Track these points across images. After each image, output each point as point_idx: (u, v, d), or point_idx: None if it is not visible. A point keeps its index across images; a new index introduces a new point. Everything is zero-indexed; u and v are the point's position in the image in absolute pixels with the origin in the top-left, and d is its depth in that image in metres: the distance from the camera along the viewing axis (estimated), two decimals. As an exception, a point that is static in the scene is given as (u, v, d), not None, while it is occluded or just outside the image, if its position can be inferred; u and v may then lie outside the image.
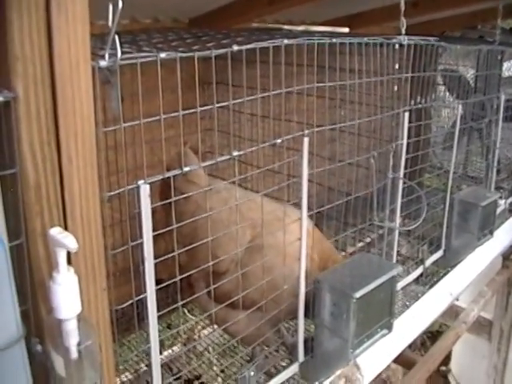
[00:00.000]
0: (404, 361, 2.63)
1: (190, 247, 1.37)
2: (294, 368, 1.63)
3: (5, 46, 0.82)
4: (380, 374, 4.63)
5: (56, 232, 0.89)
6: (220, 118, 1.76)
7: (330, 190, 1.91)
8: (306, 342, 1.64)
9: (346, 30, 2.87)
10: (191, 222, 1.44)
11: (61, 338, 0.91)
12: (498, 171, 3.09)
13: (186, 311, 2.17)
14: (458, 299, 3.26)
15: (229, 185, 1.68)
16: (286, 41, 1.28)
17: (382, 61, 1.72)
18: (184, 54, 1.07)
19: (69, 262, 0.91)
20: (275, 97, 1.39)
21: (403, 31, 1.76)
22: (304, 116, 1.55)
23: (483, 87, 3.09)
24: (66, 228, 0.94)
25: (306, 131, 1.41)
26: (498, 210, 2.84)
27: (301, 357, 1.63)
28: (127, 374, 1.85)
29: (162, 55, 1.04)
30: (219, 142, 1.96)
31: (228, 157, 1.25)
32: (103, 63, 0.94)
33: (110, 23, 0.92)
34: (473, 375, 4.43)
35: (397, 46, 1.72)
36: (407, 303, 2.19)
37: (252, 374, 1.42)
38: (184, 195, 1.43)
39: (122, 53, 0.96)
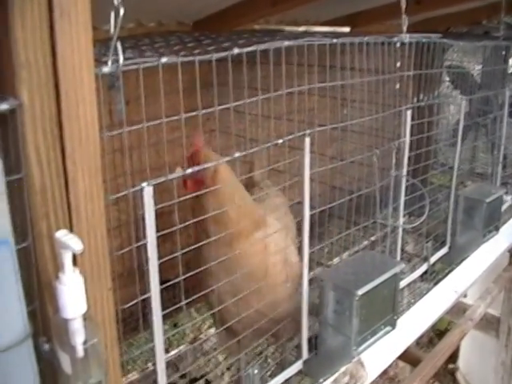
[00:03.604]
0: (410, 358, 2.62)
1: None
2: (298, 365, 1.65)
3: (9, 53, 0.84)
4: (388, 372, 4.64)
5: (61, 234, 0.91)
6: (225, 119, 1.78)
7: (334, 188, 1.92)
8: (310, 339, 1.66)
9: (346, 29, 2.88)
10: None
11: (67, 336, 0.93)
12: (505, 167, 3.08)
13: (192, 310, 2.19)
14: (466, 296, 3.27)
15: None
16: (286, 42, 1.29)
17: (384, 59, 1.73)
18: (185, 59, 1.09)
19: (75, 262, 0.93)
20: (279, 97, 1.40)
21: (405, 29, 1.76)
22: (306, 115, 1.56)
23: (489, 83, 3.09)
24: (71, 230, 0.95)
25: (308, 131, 1.42)
26: (504, 206, 2.84)
27: (305, 354, 1.65)
28: (135, 373, 1.88)
29: (164, 60, 1.06)
30: (225, 144, 1.97)
31: (229, 157, 1.26)
32: (106, 69, 0.96)
33: (111, 30, 0.94)
34: (481, 372, 4.43)
35: (398, 45, 1.73)
36: (412, 300, 2.20)
37: (256, 371, 1.44)
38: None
39: (124, 59, 0.97)
